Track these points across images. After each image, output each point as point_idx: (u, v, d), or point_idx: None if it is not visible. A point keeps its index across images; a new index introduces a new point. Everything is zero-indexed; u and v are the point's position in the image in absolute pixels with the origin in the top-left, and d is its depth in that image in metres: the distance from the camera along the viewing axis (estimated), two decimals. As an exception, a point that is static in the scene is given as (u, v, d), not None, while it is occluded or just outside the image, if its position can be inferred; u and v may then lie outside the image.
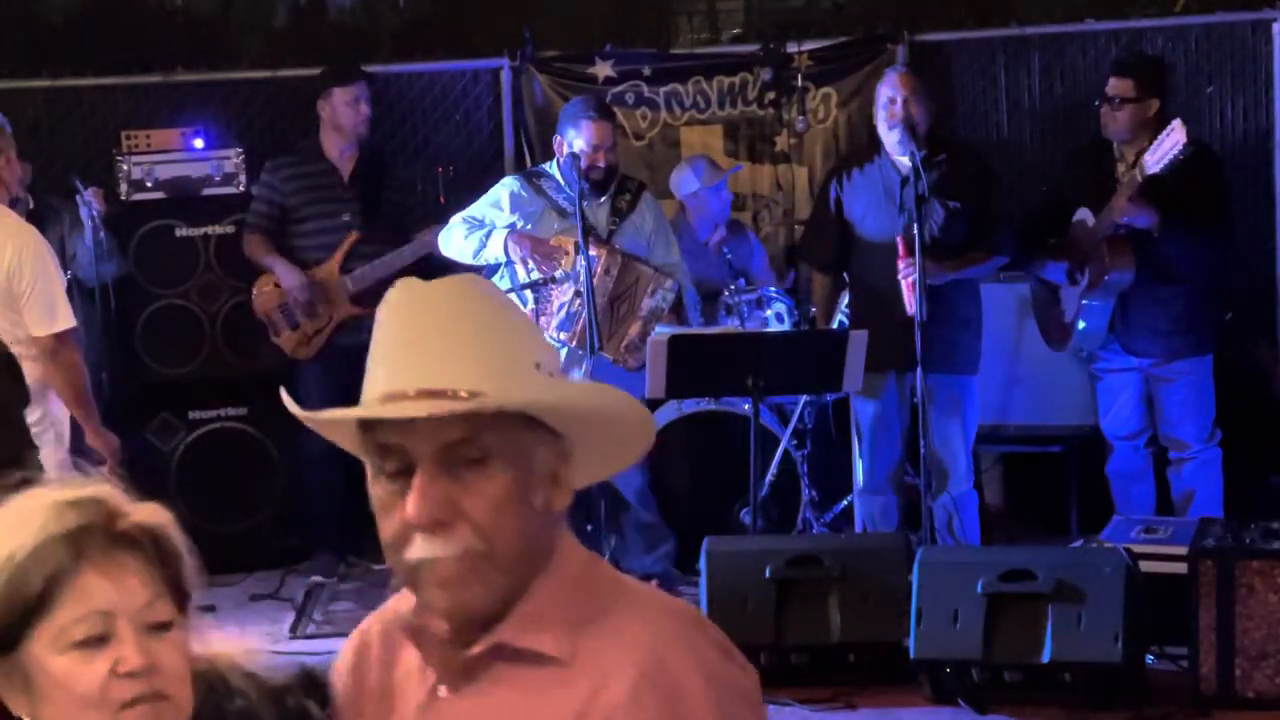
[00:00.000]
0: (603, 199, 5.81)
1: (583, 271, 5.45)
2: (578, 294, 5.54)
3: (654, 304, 5.67)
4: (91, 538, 1.63)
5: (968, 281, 5.82)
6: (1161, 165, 5.22)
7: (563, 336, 5.56)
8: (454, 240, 5.78)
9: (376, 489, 1.67)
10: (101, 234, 6.02)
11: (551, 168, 5.88)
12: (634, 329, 5.66)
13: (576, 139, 5.72)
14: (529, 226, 5.72)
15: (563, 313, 5.56)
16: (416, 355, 1.64)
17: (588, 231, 5.50)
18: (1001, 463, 6.88)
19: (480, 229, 5.73)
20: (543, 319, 5.56)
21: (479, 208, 5.84)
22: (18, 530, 1.63)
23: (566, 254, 5.55)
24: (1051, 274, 5.88)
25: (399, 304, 1.68)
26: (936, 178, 5.63)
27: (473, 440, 1.62)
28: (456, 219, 5.85)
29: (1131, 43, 6.86)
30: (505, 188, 5.85)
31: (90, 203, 5.96)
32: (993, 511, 6.64)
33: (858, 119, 6.94)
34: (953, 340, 5.71)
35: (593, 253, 5.54)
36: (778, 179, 7.18)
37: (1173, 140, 5.17)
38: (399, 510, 1.63)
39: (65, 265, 5.75)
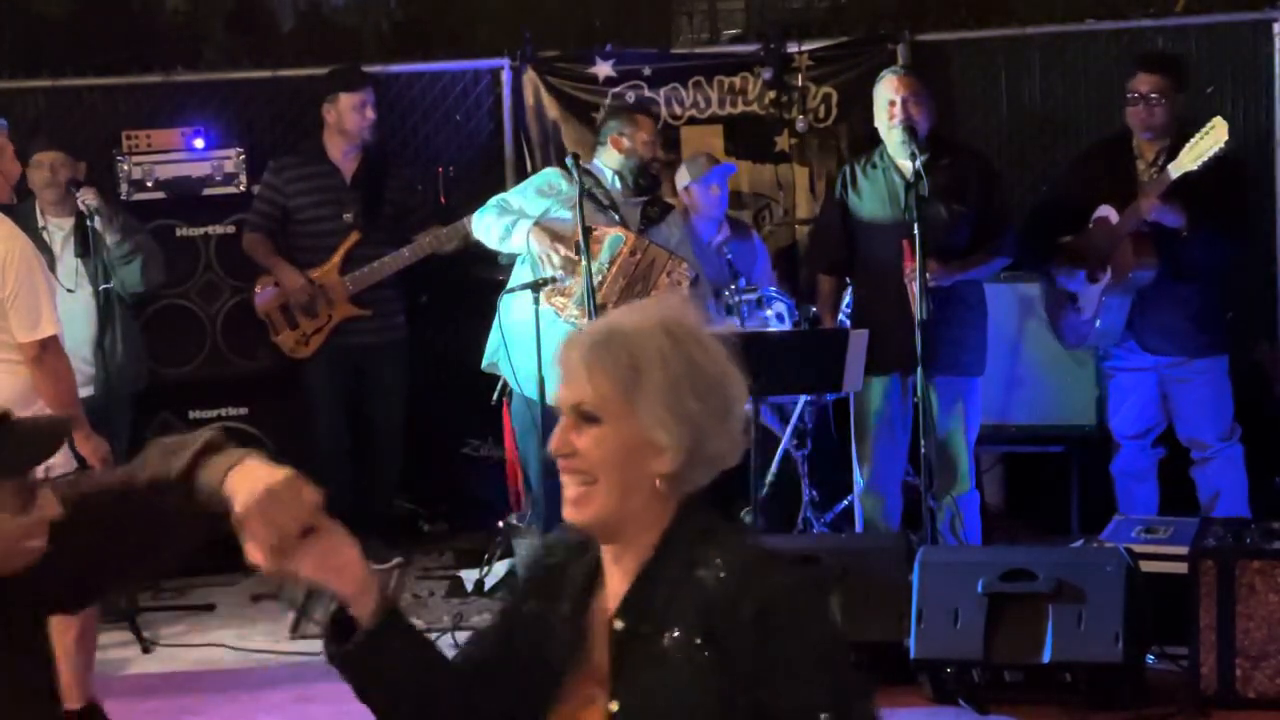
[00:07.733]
0: (636, 202, 5.83)
1: (586, 265, 5.45)
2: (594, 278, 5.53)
3: (669, 284, 5.62)
4: None
5: (973, 282, 5.81)
6: (1200, 163, 5.23)
7: (576, 313, 5.55)
8: (485, 221, 5.78)
9: None
10: (116, 237, 5.89)
11: (600, 163, 5.91)
12: None
13: (636, 133, 5.78)
14: (563, 210, 5.71)
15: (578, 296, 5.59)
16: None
17: (588, 215, 5.49)
18: (1002, 462, 6.88)
19: (510, 214, 5.73)
20: (558, 298, 5.58)
21: (516, 193, 5.87)
22: None
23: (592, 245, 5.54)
24: (1069, 283, 5.86)
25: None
26: (940, 180, 5.62)
27: None
28: (492, 201, 5.86)
29: (1132, 43, 6.84)
30: (545, 176, 5.90)
31: (88, 203, 5.74)
32: (993, 511, 6.63)
33: (858, 119, 6.93)
34: (960, 341, 5.71)
35: (620, 233, 5.61)
36: (778, 179, 7.17)
37: (1214, 138, 5.17)
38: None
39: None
